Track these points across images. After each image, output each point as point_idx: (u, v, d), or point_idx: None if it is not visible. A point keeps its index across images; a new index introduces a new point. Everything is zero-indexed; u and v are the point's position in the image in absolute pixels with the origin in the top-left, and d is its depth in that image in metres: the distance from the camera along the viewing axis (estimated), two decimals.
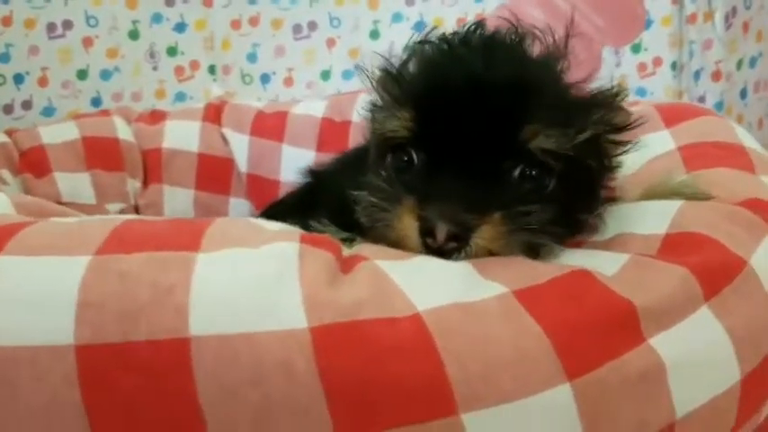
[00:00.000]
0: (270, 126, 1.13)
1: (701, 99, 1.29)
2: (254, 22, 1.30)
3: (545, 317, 0.40)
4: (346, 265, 0.43)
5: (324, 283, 0.39)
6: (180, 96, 1.30)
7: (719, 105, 1.27)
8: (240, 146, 1.13)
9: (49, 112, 1.26)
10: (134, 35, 1.28)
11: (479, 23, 0.57)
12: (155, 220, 0.47)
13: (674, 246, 0.48)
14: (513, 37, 0.56)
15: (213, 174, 1.12)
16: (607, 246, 0.51)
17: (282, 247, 0.41)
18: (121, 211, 1.06)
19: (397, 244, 0.48)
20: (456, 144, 0.49)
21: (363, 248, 0.47)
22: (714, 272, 0.46)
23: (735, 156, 0.64)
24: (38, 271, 0.40)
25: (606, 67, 1.33)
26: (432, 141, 0.50)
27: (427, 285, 0.41)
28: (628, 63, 1.33)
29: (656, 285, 0.43)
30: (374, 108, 0.59)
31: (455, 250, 0.46)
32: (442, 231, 0.46)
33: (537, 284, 0.42)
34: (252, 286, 0.38)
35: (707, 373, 0.43)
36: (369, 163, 0.60)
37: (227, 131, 1.14)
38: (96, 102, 1.28)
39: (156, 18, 1.28)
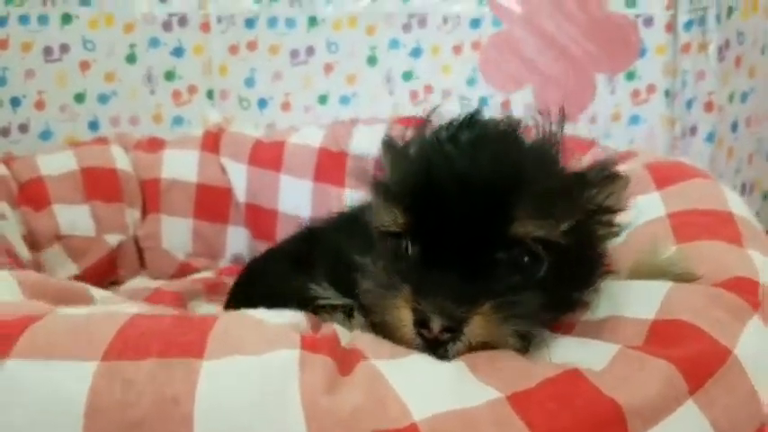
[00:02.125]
0: (268, 156, 1.14)
1: (693, 129, 1.31)
2: (251, 46, 1.30)
3: (536, 423, 0.41)
4: (345, 366, 0.44)
5: (323, 392, 0.41)
6: (177, 120, 1.30)
7: (711, 136, 1.29)
8: (238, 176, 1.14)
9: (46, 135, 1.27)
10: (131, 59, 1.28)
11: (473, 116, 0.58)
12: (161, 315, 0.49)
13: (661, 335, 0.50)
14: (505, 128, 0.57)
15: (212, 203, 1.14)
16: (598, 329, 0.53)
17: (283, 356, 0.42)
18: (120, 244, 1.07)
19: (392, 330, 0.50)
20: (447, 238, 0.50)
21: (360, 340, 0.49)
22: (698, 364, 0.48)
23: (723, 225, 0.66)
24: (48, 377, 0.41)
25: (600, 95, 1.35)
26: (424, 236, 0.51)
27: (423, 390, 0.43)
28: (622, 90, 1.34)
29: (642, 384, 0.45)
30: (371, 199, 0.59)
31: (449, 340, 0.48)
32: (436, 324, 0.47)
33: (529, 388, 0.43)
34: (255, 399, 0.40)
35: None
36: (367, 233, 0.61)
37: (226, 161, 1.15)
38: (94, 125, 1.28)
39: (154, 42, 1.28)
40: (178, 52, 1.30)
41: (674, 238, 0.64)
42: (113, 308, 0.50)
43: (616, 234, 0.59)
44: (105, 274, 1.06)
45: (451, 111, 0.67)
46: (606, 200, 0.57)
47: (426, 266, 0.50)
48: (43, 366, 0.42)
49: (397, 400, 0.41)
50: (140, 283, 1.04)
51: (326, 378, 0.42)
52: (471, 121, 0.57)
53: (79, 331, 0.44)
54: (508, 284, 0.50)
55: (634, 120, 1.34)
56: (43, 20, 1.25)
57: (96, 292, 0.61)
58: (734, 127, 1.22)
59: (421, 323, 0.48)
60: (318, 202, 1.12)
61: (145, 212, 1.12)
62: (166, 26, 1.28)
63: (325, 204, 1.11)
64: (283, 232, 1.13)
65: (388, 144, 0.62)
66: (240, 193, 1.14)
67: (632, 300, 0.55)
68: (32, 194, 1.03)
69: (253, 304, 0.56)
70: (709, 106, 1.29)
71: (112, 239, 1.06)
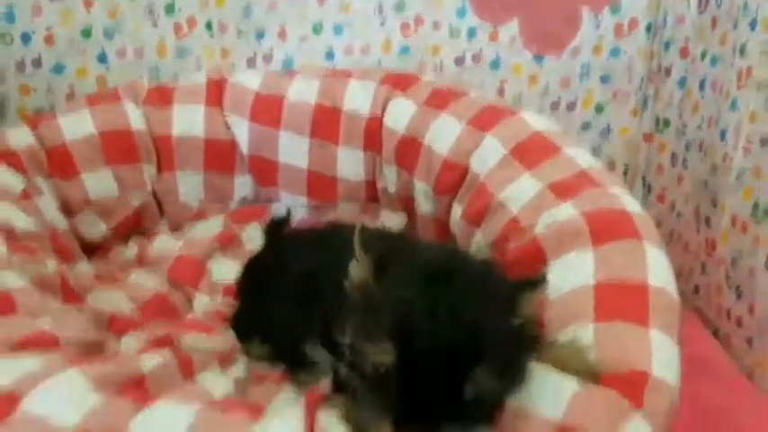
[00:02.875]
0: (267, 112, 1.25)
1: (668, 70, 1.38)
2: None
3: None
4: None
5: None
6: (180, 52, 1.37)
7: (683, 82, 1.37)
8: (241, 131, 1.27)
9: (58, 69, 1.35)
10: None
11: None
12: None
13: None
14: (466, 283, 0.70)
15: (219, 156, 1.28)
16: (519, 421, 0.72)
17: None
18: (142, 203, 1.22)
19: None
20: (420, 384, 0.64)
21: None
22: None
23: (636, 302, 0.81)
24: None
25: (584, 28, 1.39)
26: (404, 372, 0.65)
27: None
28: (606, 23, 1.39)
29: None
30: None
31: None
32: None
33: None
34: None
35: None
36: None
37: (229, 117, 1.26)
38: (102, 58, 1.36)
39: None
40: None
41: (593, 315, 0.81)
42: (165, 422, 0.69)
43: (539, 343, 0.76)
44: (131, 228, 1.23)
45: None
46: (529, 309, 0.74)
47: (405, 395, 0.64)
48: None
49: None
50: (163, 243, 1.21)
51: None
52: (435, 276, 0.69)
53: None
54: (470, 414, 0.66)
55: (614, 52, 1.41)
56: None
57: (149, 361, 0.79)
58: (701, 85, 1.29)
59: None
60: (315, 156, 1.26)
61: (160, 168, 1.25)
62: None
63: (321, 157, 1.25)
64: (284, 180, 1.29)
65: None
66: (244, 147, 1.27)
67: (543, 396, 0.73)
68: (61, 163, 1.16)
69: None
70: (684, 52, 1.36)
71: (135, 199, 1.22)
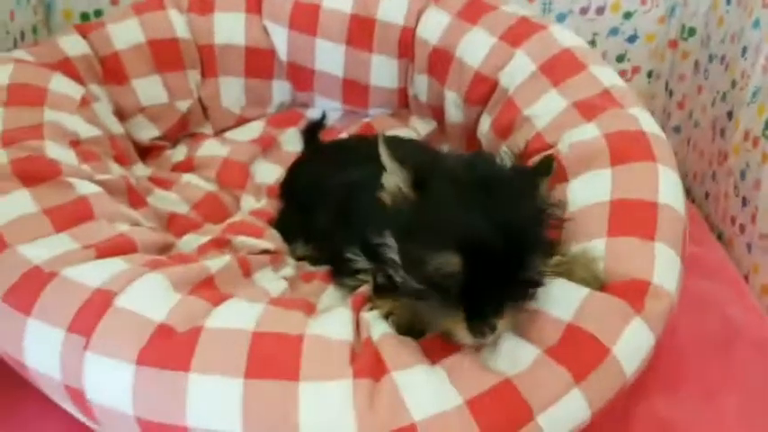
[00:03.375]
0: (305, 20, 1.32)
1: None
2: None
3: (481, 421, 0.76)
4: (377, 374, 0.77)
5: (366, 406, 0.75)
6: None
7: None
8: (280, 38, 1.33)
9: None
10: None
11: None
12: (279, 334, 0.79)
13: (569, 340, 0.81)
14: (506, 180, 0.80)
15: (259, 63, 1.35)
16: (535, 323, 0.83)
17: (345, 385, 0.75)
18: (189, 108, 1.30)
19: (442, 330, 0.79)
20: (485, 274, 0.75)
21: (386, 345, 0.80)
22: (586, 363, 0.80)
23: (645, 218, 0.90)
24: (216, 387, 0.75)
25: None
26: (472, 274, 0.75)
27: (420, 397, 0.76)
28: None
29: (549, 390, 0.77)
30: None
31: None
32: (488, 334, 0.77)
33: (479, 394, 0.77)
34: (331, 412, 0.73)
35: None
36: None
37: (269, 24, 1.32)
38: None
39: None
40: None
41: (606, 229, 0.91)
42: (236, 319, 0.81)
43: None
44: (179, 131, 1.32)
45: None
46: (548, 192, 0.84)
47: (471, 292, 0.75)
48: (210, 381, 0.74)
49: (405, 407, 0.75)
50: (210, 149, 1.30)
51: (368, 394, 0.75)
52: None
53: (230, 349, 0.76)
54: (518, 298, 0.79)
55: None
56: None
57: (214, 264, 0.91)
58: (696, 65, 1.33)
59: (476, 333, 0.77)
60: (350, 63, 1.32)
61: (204, 74, 1.32)
62: None
63: (354, 65, 1.32)
64: (319, 86, 1.36)
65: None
66: (282, 53, 1.33)
67: (558, 299, 0.84)
68: (113, 71, 1.24)
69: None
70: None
71: (182, 105, 1.30)
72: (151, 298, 0.81)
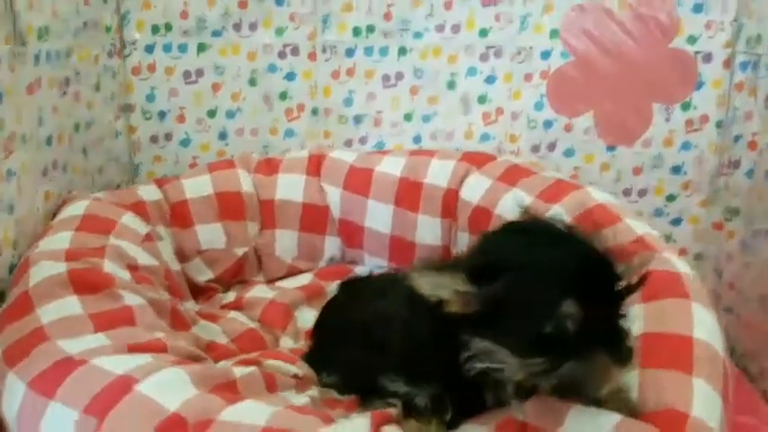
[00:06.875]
0: (358, 182, 1.42)
1: (737, 163, 1.46)
2: (350, 72, 1.53)
3: None
4: None
5: None
6: (289, 133, 1.58)
7: (750, 173, 1.44)
8: (335, 198, 1.43)
9: (185, 143, 1.59)
10: (253, 82, 1.55)
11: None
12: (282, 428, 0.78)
13: None
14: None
15: (313, 218, 1.44)
16: None
17: None
18: (244, 254, 1.39)
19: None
20: (599, 306, 0.73)
21: None
22: None
23: (681, 352, 0.87)
24: None
25: (655, 122, 1.50)
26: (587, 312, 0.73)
27: None
28: (676, 119, 1.49)
29: None
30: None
31: None
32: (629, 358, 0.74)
33: None
34: None
35: None
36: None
37: (325, 185, 1.43)
38: (222, 135, 1.59)
39: (271, 68, 1.54)
40: (290, 76, 1.55)
41: (640, 360, 0.88)
42: (249, 415, 0.80)
43: None
44: (233, 276, 1.40)
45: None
46: None
47: (594, 330, 0.73)
48: None
49: None
50: (259, 292, 1.37)
51: None
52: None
53: None
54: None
55: (686, 146, 1.50)
56: (183, 48, 1.53)
57: (240, 371, 0.93)
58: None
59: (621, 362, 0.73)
60: (398, 222, 1.40)
61: (263, 226, 1.43)
62: (281, 55, 1.54)
63: (401, 223, 1.39)
64: (368, 243, 1.43)
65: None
66: (335, 211, 1.43)
67: (586, 426, 0.80)
68: (180, 215, 1.35)
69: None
70: (752, 145, 1.43)
71: (239, 251, 1.39)
72: (170, 388, 0.83)
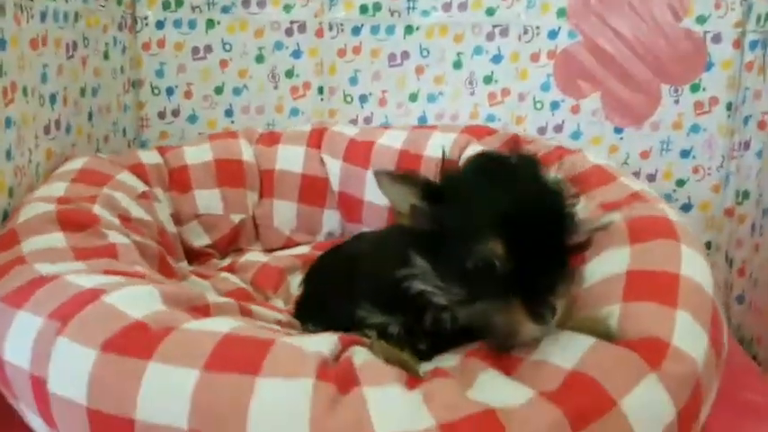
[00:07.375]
0: (358, 154, 1.41)
1: (747, 144, 1.42)
2: (356, 51, 1.54)
3: None
4: (344, 388, 0.70)
5: (326, 409, 0.68)
6: (294, 111, 1.59)
7: (759, 154, 1.40)
8: (334, 169, 1.42)
9: (192, 119, 1.60)
10: (260, 59, 1.57)
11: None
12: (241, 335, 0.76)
13: (569, 386, 0.72)
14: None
15: (312, 190, 1.43)
16: (529, 371, 0.76)
17: (305, 382, 0.69)
18: (241, 221, 1.39)
19: (500, 326, 0.74)
20: (532, 256, 0.71)
21: (364, 367, 0.74)
22: (585, 412, 0.70)
23: (665, 288, 0.84)
24: (171, 377, 0.71)
25: (664, 104, 1.47)
26: (516, 257, 0.71)
27: (388, 414, 0.68)
28: (686, 101, 1.46)
29: (539, 428, 0.68)
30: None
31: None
32: (549, 317, 0.72)
33: (456, 419, 0.68)
34: (284, 410, 0.67)
35: None
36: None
37: (325, 156, 1.43)
38: (229, 113, 1.60)
39: (278, 46, 1.56)
40: (297, 54, 1.56)
41: (622, 295, 0.84)
42: (214, 325, 0.78)
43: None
44: (229, 244, 1.39)
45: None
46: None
47: (520, 278, 0.71)
48: (169, 370, 0.70)
49: (369, 421, 0.68)
50: (254, 256, 1.35)
51: (329, 400, 0.69)
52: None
53: (194, 343, 0.73)
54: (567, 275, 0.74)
55: (695, 129, 1.47)
56: (192, 24, 1.55)
57: (215, 298, 0.91)
58: None
59: (537, 319, 0.72)
60: None
61: (261, 196, 1.43)
62: (288, 32, 1.55)
63: None
64: (367, 217, 1.41)
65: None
66: (335, 183, 1.42)
67: (562, 349, 0.77)
68: (179, 180, 1.36)
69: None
70: (762, 125, 1.39)
71: (236, 217, 1.38)
72: (138, 301, 0.81)
